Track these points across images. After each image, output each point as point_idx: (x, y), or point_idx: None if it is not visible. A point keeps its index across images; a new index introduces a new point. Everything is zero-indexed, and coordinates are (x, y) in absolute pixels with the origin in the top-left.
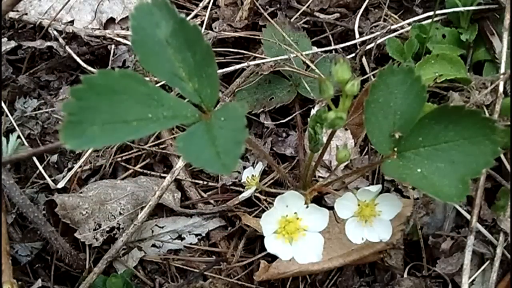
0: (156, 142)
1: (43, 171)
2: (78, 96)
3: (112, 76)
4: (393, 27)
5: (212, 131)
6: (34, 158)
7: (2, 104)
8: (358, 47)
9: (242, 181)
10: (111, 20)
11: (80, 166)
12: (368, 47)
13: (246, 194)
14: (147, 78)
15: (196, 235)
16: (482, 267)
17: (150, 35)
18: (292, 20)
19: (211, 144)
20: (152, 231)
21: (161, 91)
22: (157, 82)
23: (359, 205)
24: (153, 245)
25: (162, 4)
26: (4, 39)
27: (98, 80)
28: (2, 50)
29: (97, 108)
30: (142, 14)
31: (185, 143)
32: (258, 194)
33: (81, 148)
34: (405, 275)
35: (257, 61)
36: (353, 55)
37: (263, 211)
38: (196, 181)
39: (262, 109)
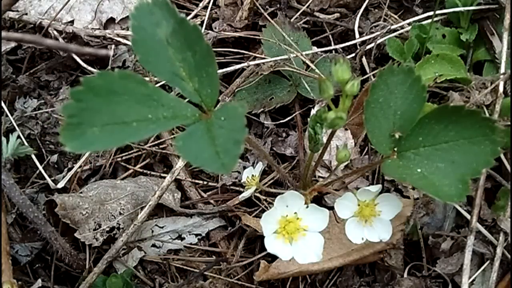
0: (156, 142)
1: (43, 171)
2: (78, 97)
3: (112, 77)
4: (393, 27)
5: (212, 130)
6: (34, 158)
7: (2, 104)
8: (358, 47)
9: (242, 181)
10: (111, 20)
11: (80, 166)
12: (368, 47)
13: (246, 194)
14: (147, 79)
15: (196, 235)
16: (482, 267)
17: (150, 35)
18: (292, 20)
19: (211, 144)
20: (152, 231)
21: (161, 91)
22: (157, 82)
23: (359, 205)
24: (153, 245)
25: (163, 4)
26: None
27: (98, 81)
28: (2, 50)
29: (96, 109)
30: (142, 14)
31: (184, 142)
32: (258, 194)
33: (81, 150)
34: (405, 275)
35: (257, 61)
36: (353, 55)
37: (263, 211)
38: (196, 181)
39: (262, 109)
